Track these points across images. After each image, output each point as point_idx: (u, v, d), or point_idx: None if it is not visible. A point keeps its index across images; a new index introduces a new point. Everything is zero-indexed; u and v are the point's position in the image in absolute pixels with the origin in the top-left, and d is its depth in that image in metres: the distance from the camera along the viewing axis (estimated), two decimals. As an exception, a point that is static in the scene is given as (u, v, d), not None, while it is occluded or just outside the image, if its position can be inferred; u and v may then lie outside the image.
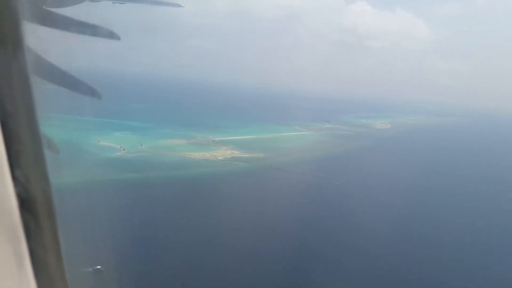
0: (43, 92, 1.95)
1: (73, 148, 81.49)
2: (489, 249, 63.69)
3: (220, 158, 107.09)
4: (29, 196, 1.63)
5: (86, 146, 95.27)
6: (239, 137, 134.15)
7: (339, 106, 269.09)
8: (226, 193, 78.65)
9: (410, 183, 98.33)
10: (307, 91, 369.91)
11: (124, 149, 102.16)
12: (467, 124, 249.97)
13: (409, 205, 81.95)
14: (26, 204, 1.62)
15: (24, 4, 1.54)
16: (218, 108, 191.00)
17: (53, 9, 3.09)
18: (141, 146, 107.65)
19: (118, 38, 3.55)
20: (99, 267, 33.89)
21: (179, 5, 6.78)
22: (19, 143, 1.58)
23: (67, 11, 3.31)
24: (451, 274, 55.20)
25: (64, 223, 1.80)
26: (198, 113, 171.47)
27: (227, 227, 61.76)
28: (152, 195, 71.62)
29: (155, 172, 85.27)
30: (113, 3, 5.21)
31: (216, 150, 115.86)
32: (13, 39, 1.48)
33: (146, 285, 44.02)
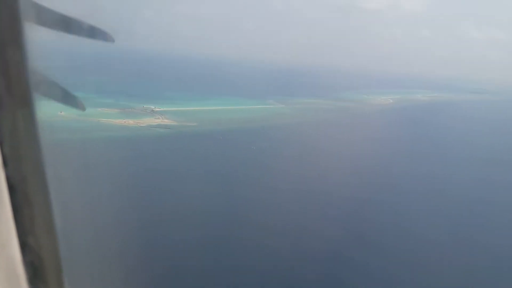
0: None
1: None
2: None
3: (142, 125, 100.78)
4: (39, 261, 1.55)
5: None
6: (189, 108, 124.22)
7: (351, 80, 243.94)
8: (113, 155, 71.06)
9: (351, 159, 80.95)
10: (318, 65, 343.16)
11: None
12: (501, 102, 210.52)
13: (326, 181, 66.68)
14: (36, 272, 1.55)
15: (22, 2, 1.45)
16: (187, 81, 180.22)
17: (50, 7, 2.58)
18: (61, 112, 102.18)
19: (113, 40, 3.16)
20: None
21: None
22: (29, 207, 1.51)
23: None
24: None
25: None
26: (160, 85, 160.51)
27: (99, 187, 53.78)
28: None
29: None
30: None
31: (145, 118, 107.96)
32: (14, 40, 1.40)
33: None
